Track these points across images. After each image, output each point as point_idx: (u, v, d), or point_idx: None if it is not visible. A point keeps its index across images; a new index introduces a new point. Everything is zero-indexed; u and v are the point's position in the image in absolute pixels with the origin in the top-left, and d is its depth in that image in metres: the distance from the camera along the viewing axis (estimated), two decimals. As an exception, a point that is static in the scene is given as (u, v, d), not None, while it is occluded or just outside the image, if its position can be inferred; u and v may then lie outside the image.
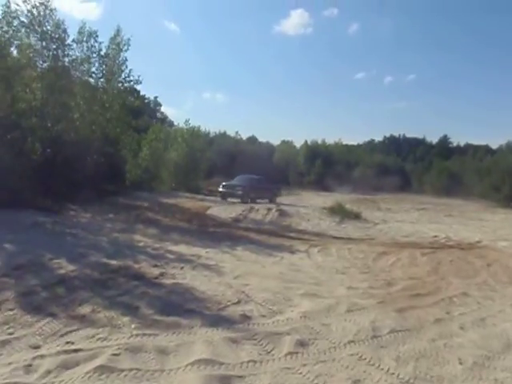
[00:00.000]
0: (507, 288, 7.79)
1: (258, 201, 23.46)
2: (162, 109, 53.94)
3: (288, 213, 17.82)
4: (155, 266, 7.52)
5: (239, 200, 22.56)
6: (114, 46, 18.16)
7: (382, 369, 4.12)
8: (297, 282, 7.22)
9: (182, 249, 9.36)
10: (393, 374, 4.03)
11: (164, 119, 49.62)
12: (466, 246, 12.73)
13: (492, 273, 9.04)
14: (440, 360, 4.44)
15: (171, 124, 45.56)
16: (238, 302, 5.86)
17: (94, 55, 17.48)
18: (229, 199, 23.12)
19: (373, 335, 4.96)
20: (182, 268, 7.56)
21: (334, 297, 6.42)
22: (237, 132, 53.74)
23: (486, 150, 54.08)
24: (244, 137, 55.21)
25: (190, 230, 12.37)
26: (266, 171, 39.80)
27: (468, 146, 61.97)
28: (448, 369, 4.25)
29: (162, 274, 6.99)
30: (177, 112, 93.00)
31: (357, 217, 17.69)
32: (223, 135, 51.50)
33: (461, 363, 4.38)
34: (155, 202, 18.24)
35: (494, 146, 56.67)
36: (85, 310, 5.05)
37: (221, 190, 24.31)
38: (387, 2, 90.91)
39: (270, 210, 18.20)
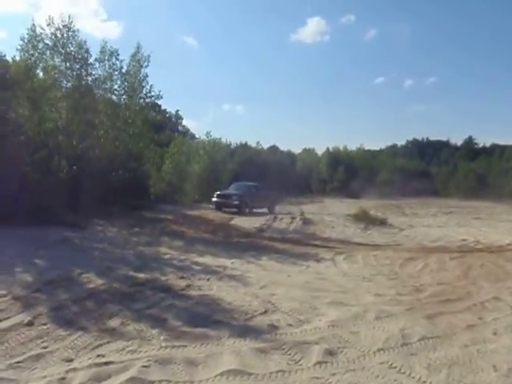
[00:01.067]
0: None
1: (256, 210, 21.49)
2: (184, 122, 54.66)
3: (312, 221, 17.76)
4: (182, 277, 7.59)
5: (235, 210, 20.47)
6: (134, 63, 18.60)
7: (414, 377, 4.05)
8: (323, 290, 7.18)
9: (208, 260, 9.43)
10: (424, 382, 3.96)
11: (186, 132, 50.25)
12: (496, 249, 12.42)
13: (525, 276, 8.79)
14: (473, 367, 4.34)
15: (193, 137, 46.08)
16: (265, 312, 5.86)
17: (116, 73, 17.95)
18: (224, 209, 20.93)
19: (403, 343, 4.89)
20: (208, 279, 7.60)
21: (362, 304, 6.35)
22: (258, 142, 53.88)
23: (514, 149, 52.75)
24: (265, 146, 55.39)
25: (214, 241, 12.44)
26: (288, 180, 39.93)
27: (494, 146, 60.44)
28: (482, 376, 4.15)
29: (188, 286, 7.05)
30: (198, 125, 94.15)
31: (382, 223, 17.48)
32: (244, 146, 51.70)
33: (495, 370, 4.27)
34: (179, 215, 18.43)
35: (523, 146, 55.25)
36: (114, 322, 5.13)
37: (215, 199, 21.62)
38: (404, 6, 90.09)
39: (294, 218, 18.17)
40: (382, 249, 12.00)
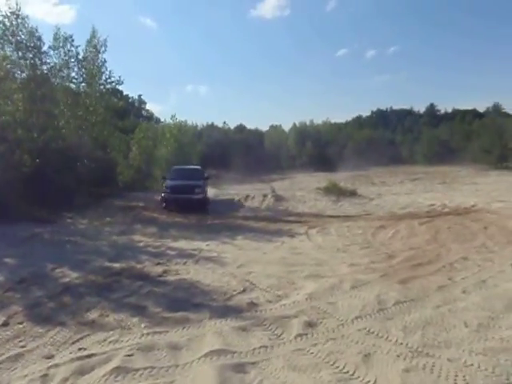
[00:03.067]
0: (505, 248, 7.93)
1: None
2: (148, 106, 53.70)
3: (284, 197, 17.88)
4: (158, 264, 7.56)
5: (198, 207, 14.82)
6: (91, 49, 17.98)
7: (391, 340, 4.21)
8: (299, 264, 7.30)
9: (183, 244, 9.40)
10: (401, 343, 4.12)
11: (150, 117, 49.28)
12: (462, 211, 12.88)
13: (489, 235, 9.18)
14: (446, 325, 4.54)
15: (158, 121, 45.25)
16: (244, 291, 5.92)
17: (72, 60, 17.34)
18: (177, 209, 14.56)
19: (379, 308, 5.05)
20: (184, 263, 7.60)
21: (337, 275, 6.50)
22: (224, 122, 53.59)
23: (474, 114, 54.16)
24: (232, 126, 55.13)
25: (188, 224, 12.39)
26: (257, 158, 39.93)
27: (456, 112, 61.89)
28: (454, 333, 4.35)
29: (165, 272, 7.03)
30: (163, 108, 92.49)
31: (352, 193, 17.78)
32: (211, 127, 51.33)
33: (466, 326, 4.48)
34: (151, 201, 18.20)
35: (482, 110, 56.93)
36: (93, 315, 5.09)
37: (166, 195, 15.19)
38: None
39: (265, 196, 18.24)
40: (353, 219, 12.25)
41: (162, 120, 42.67)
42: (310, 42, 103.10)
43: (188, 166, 19.26)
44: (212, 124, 52.00)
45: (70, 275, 6.84)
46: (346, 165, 38.23)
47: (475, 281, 6.03)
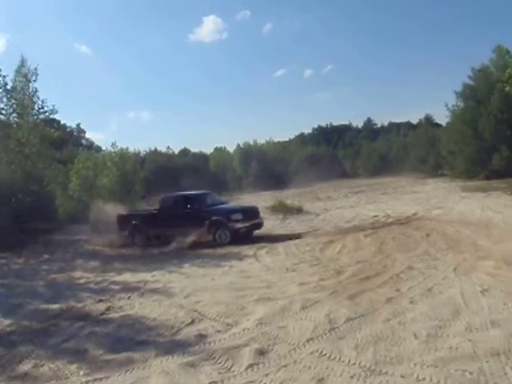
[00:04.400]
0: (447, 254, 8.16)
1: None
2: (87, 135, 52.06)
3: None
4: (100, 301, 7.15)
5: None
6: (20, 78, 17.15)
7: (344, 361, 4.11)
8: (248, 288, 7.13)
9: (127, 277, 8.98)
10: (354, 364, 4.03)
11: (90, 145, 47.78)
12: (405, 220, 13.26)
13: (431, 242, 9.45)
14: (396, 339, 4.51)
15: (99, 149, 43.94)
16: (192, 322, 5.67)
17: (0, 90, 16.44)
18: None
19: (330, 328, 4.97)
20: (129, 298, 7.23)
21: (287, 296, 6.39)
22: (168, 147, 52.93)
23: (409, 125, 57.01)
24: (176, 150, 54.58)
25: (133, 255, 11.94)
26: (203, 181, 39.60)
27: (392, 125, 64.98)
28: (405, 346, 4.32)
29: (108, 309, 6.64)
30: (103, 136, 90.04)
31: (299, 210, 17.94)
32: (154, 152, 50.48)
33: (416, 338, 4.47)
34: (93, 233, 17.44)
35: (415, 121, 60.00)
36: (26, 366, 4.65)
37: (232, 224, 12.38)
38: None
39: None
40: (301, 236, 12.26)
41: (103, 148, 41.46)
42: (250, 64, 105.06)
43: (202, 191, 15.23)
44: (155, 149, 51.20)
45: (2, 322, 6.29)
46: (291, 182, 38.79)
47: (421, 290, 6.11)
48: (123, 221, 14.10)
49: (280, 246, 10.82)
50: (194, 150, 56.33)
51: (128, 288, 7.92)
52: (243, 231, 12.49)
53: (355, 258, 8.72)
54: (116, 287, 8.09)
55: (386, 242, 9.90)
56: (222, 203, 14.41)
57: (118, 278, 8.92)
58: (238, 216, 12.57)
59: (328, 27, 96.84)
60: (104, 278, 9.06)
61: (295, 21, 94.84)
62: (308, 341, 4.67)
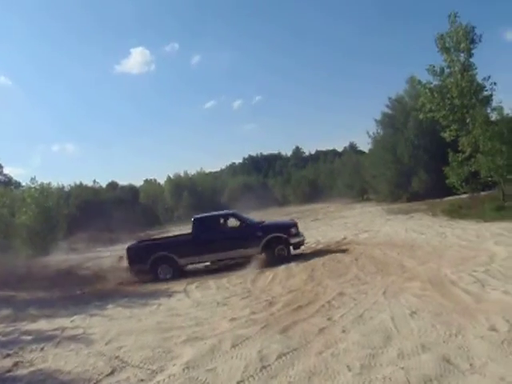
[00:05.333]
0: (376, 278, 8.22)
1: None
2: (6, 170, 48.70)
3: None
4: (7, 355, 6.32)
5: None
6: None
7: (276, 403, 3.83)
8: (176, 328, 6.68)
9: (43, 325, 8.12)
10: (287, 405, 3.77)
11: (9, 181, 44.71)
12: (335, 245, 13.39)
13: (361, 266, 9.52)
14: (330, 373, 4.32)
15: (18, 185, 41.18)
16: (112, 372, 5.14)
17: None
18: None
19: (261, 366, 4.68)
20: (41, 349, 6.48)
21: (217, 334, 6.02)
22: (94, 180, 50.84)
23: (334, 153, 59.46)
24: (104, 184, 52.55)
25: (51, 298, 10.90)
26: (132, 214, 38.27)
27: (319, 153, 67.46)
28: (339, 380, 4.15)
29: (15, 365, 5.88)
30: (25, 171, 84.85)
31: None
32: (80, 187, 48.22)
33: (349, 370, 4.31)
34: (9, 275, 15.94)
35: (340, 149, 62.81)
36: None
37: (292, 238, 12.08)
38: (226, 29, 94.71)
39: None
40: (233, 267, 11.92)
41: (23, 184, 38.93)
42: (179, 95, 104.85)
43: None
44: (81, 184, 48.96)
45: None
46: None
47: (353, 317, 6.01)
48: (140, 253, 12.15)
49: (210, 280, 10.42)
50: (122, 182, 54.66)
51: (42, 337, 7.12)
52: (299, 245, 12.30)
53: (287, 287, 8.55)
54: (28, 338, 7.25)
55: (317, 269, 9.85)
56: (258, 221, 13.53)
57: (32, 327, 8.03)
58: (295, 230, 12.17)
59: (255, 59, 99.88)
60: (15, 327, 8.11)
61: (223, 53, 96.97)
62: (238, 383, 4.34)
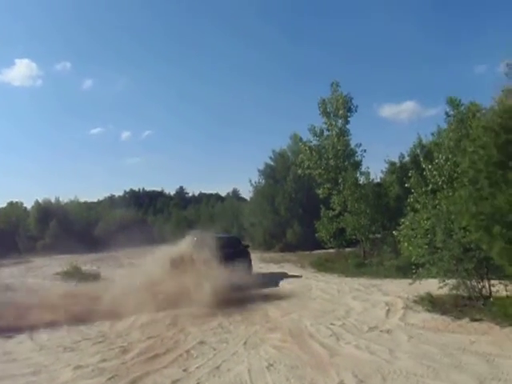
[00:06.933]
0: (239, 327, 8.10)
1: None
2: None
3: (10, 287, 15.07)
4: None
5: None
6: None
7: None
8: (7, 378, 5.75)
9: None
10: None
11: None
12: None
13: (226, 314, 9.29)
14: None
15: None
16: None
17: None
18: None
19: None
20: None
21: (55, 385, 5.29)
22: None
23: (217, 197, 60.04)
24: (-45, 202, 46.21)
25: None
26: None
27: (202, 195, 67.53)
28: None
29: None
30: None
31: (95, 277, 16.36)
32: None
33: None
34: None
35: (223, 194, 63.73)
36: None
37: None
38: (121, 58, 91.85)
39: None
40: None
41: None
42: (63, 117, 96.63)
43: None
44: None
45: None
46: (96, 246, 36.12)
47: (210, 368, 5.75)
48: None
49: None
50: (-20, 202, 48.58)
51: None
52: None
53: (147, 333, 7.99)
54: None
55: (182, 314, 9.42)
56: None
57: None
58: None
59: (149, 93, 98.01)
60: None
61: (117, 82, 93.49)
62: None
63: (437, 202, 9.30)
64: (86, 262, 21.74)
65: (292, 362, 5.81)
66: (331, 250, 19.94)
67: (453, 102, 12.12)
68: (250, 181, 31.42)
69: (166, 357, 6.39)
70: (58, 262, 24.87)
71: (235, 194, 59.88)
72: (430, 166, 10.59)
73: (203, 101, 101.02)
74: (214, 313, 9.49)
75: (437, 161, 10.46)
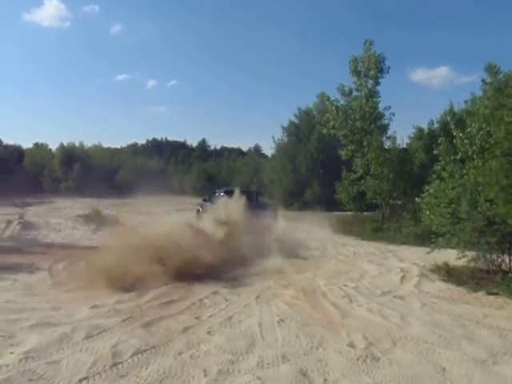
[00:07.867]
0: (254, 280, 8.19)
1: None
2: None
3: (34, 225, 15.56)
4: None
5: None
6: None
7: (117, 407, 3.47)
8: (28, 310, 5.97)
9: None
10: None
11: None
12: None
13: (243, 265, 9.41)
14: (185, 376, 4.08)
15: None
16: None
17: None
18: None
19: (112, 363, 4.28)
20: None
21: (72, 322, 5.47)
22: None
23: (239, 152, 59.92)
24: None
25: None
26: (14, 178, 34.73)
27: (223, 149, 67.54)
28: (193, 385, 3.90)
29: None
30: None
31: (115, 223, 16.68)
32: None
33: (206, 375, 4.11)
34: None
35: (245, 149, 63.55)
36: None
37: None
38: (152, 4, 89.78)
39: (10, 222, 15.53)
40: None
41: None
42: (89, 61, 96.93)
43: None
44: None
45: None
46: (115, 191, 36.78)
47: (221, 318, 5.85)
48: None
49: (82, 260, 9.54)
50: (9, 141, 49.34)
51: None
52: None
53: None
54: None
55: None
56: None
57: None
58: None
59: (177, 43, 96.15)
60: None
61: (145, 29, 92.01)
62: (81, 380, 3.90)
63: (465, 171, 8.98)
64: (106, 206, 22.16)
65: (303, 319, 5.85)
66: (349, 213, 19.85)
67: (491, 69, 11.52)
68: (273, 137, 31.08)
69: (179, 303, 6.52)
70: (80, 205, 25.49)
71: (257, 150, 59.71)
72: (460, 135, 10.18)
73: (229, 54, 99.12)
74: (233, 265, 9.59)
75: (469, 129, 10.02)
